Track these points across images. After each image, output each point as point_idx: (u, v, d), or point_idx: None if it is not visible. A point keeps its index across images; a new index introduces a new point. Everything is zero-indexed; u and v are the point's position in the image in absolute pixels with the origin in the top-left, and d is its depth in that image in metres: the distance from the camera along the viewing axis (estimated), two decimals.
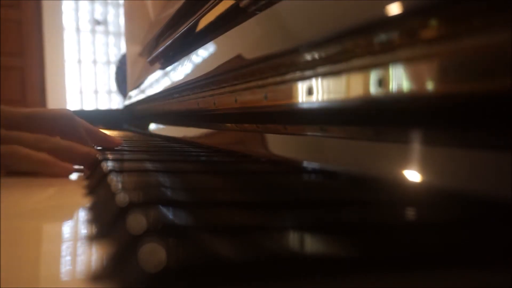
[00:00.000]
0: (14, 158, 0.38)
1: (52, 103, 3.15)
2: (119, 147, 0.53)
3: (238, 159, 0.43)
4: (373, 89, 0.25)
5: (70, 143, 0.42)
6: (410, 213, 0.20)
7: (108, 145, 0.51)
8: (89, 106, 3.32)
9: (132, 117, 1.34)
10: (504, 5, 0.18)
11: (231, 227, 0.17)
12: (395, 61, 0.23)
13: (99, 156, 0.39)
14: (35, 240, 0.19)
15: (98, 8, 3.37)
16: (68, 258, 0.17)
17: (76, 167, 0.40)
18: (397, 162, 0.24)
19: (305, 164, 0.32)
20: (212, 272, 0.12)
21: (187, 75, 0.66)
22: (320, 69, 0.30)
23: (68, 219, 0.23)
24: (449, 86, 0.21)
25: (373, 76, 0.25)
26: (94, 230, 0.20)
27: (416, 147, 0.23)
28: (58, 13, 3.22)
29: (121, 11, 3.24)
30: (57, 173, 0.38)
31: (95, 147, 0.48)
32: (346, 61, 0.28)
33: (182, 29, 0.74)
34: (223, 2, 0.56)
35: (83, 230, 0.20)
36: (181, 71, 0.71)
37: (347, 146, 0.29)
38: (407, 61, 0.23)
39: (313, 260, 0.13)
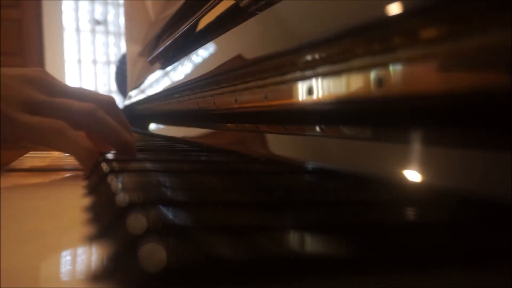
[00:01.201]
0: (57, 137, 0.35)
1: None
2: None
3: (238, 159, 0.43)
4: (373, 89, 0.25)
5: (118, 126, 0.39)
6: (410, 213, 0.20)
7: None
8: None
9: (132, 117, 1.34)
10: (504, 5, 0.18)
11: (231, 227, 0.17)
12: (395, 61, 0.23)
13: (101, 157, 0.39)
14: (35, 240, 0.19)
15: (98, 8, 3.37)
16: (68, 258, 0.17)
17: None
18: (397, 162, 0.24)
19: (305, 164, 0.32)
20: (212, 272, 0.12)
21: (187, 75, 0.66)
22: (320, 69, 0.30)
23: (68, 219, 0.23)
24: (449, 86, 0.21)
25: (373, 76, 0.25)
26: (94, 230, 0.20)
27: (416, 147, 0.23)
28: (58, 13, 3.22)
29: (121, 11, 3.24)
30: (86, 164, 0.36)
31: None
32: (346, 61, 0.28)
33: (182, 29, 0.74)
34: (223, 2, 0.56)
35: (83, 230, 0.20)
36: (181, 71, 0.71)
37: (347, 146, 0.29)
38: (407, 61, 0.23)
39: (313, 260, 0.13)
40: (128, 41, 1.71)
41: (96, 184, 0.29)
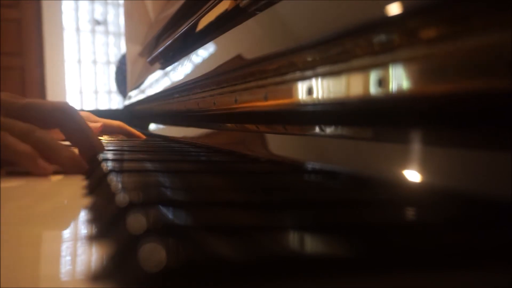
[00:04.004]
0: None
1: None
2: (119, 148, 0.52)
3: (238, 159, 0.43)
4: (373, 89, 0.25)
5: (56, 143, 0.40)
6: (410, 213, 0.20)
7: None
8: (89, 106, 3.32)
9: (132, 117, 1.34)
10: (504, 5, 0.18)
11: (231, 227, 0.17)
12: (395, 61, 0.23)
13: (99, 157, 0.39)
14: (35, 240, 0.19)
15: (98, 8, 3.37)
16: (68, 258, 0.17)
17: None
18: (397, 162, 0.24)
19: (305, 164, 0.32)
20: (212, 272, 0.12)
21: (187, 75, 0.66)
22: (320, 69, 0.30)
23: (68, 219, 0.23)
24: (449, 86, 0.21)
25: (373, 76, 0.25)
26: (94, 230, 0.20)
27: (416, 147, 0.23)
28: (58, 13, 3.22)
29: (121, 11, 3.24)
30: (33, 170, 0.37)
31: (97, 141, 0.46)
32: (346, 61, 0.28)
33: (182, 29, 0.74)
34: (223, 2, 0.56)
35: (83, 230, 0.20)
36: (181, 71, 0.71)
37: (347, 146, 0.29)
38: (407, 61, 0.23)
39: (313, 260, 0.13)
40: (128, 41, 1.71)
41: (96, 184, 0.29)
